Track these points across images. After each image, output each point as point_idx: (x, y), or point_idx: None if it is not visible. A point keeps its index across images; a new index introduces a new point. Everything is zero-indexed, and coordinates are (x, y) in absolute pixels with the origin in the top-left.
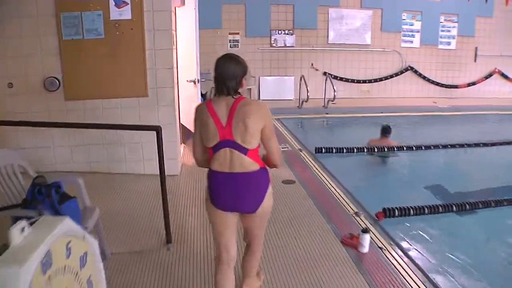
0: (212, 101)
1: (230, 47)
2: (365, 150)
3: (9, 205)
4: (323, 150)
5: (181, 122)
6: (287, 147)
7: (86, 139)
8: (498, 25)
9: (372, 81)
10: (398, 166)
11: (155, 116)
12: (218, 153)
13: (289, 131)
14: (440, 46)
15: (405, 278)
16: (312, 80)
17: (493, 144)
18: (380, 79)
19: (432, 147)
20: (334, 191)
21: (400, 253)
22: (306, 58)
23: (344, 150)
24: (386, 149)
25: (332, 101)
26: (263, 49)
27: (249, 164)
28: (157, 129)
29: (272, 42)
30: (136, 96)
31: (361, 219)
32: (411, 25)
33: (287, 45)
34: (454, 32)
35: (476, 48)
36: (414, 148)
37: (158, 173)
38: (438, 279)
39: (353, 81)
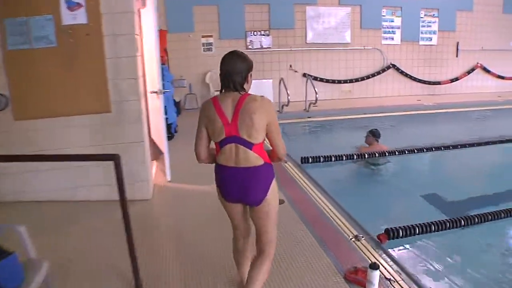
0: (217, 97)
1: (204, 51)
2: (355, 157)
3: None
4: (310, 160)
5: (151, 137)
6: None
7: (40, 163)
8: (478, 19)
9: (354, 80)
10: (391, 173)
11: (120, 134)
12: (224, 148)
13: None
14: (421, 42)
15: None
16: (292, 83)
17: (486, 143)
18: (362, 79)
19: (424, 150)
20: (329, 211)
21: (414, 286)
22: (284, 60)
23: (333, 159)
24: (377, 155)
25: (314, 103)
26: None
27: (254, 159)
28: (115, 158)
29: (248, 44)
30: (96, 113)
31: (362, 243)
32: (391, 21)
33: (264, 46)
34: (435, 27)
35: (457, 43)
36: (406, 152)
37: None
38: None
39: (333, 81)
